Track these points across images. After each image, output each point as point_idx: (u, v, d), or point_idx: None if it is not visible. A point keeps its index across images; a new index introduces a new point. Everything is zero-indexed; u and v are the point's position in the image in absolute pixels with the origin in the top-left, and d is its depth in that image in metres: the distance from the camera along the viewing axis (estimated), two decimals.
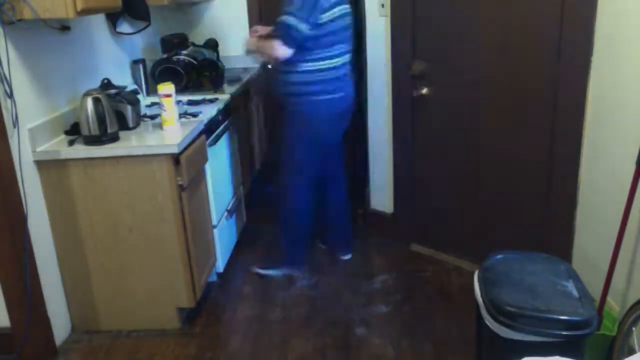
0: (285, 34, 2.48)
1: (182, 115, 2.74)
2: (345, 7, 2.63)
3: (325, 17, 2.50)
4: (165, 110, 2.47)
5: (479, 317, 1.85)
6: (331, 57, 2.59)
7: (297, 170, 2.79)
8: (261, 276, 2.95)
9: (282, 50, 2.50)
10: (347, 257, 3.11)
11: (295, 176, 2.80)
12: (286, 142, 2.77)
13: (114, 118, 2.35)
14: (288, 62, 2.56)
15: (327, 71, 2.60)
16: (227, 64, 3.67)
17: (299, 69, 2.58)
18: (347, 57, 2.69)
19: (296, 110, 2.67)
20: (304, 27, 2.45)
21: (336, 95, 2.67)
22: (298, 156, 2.76)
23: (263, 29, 2.77)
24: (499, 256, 1.97)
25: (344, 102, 2.73)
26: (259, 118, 4.17)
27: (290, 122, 2.71)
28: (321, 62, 2.58)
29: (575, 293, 1.74)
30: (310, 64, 2.57)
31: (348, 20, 2.67)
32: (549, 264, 1.91)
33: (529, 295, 1.73)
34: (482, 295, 1.81)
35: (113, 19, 3.03)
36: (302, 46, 2.52)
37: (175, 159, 2.30)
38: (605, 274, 2.06)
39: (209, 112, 2.85)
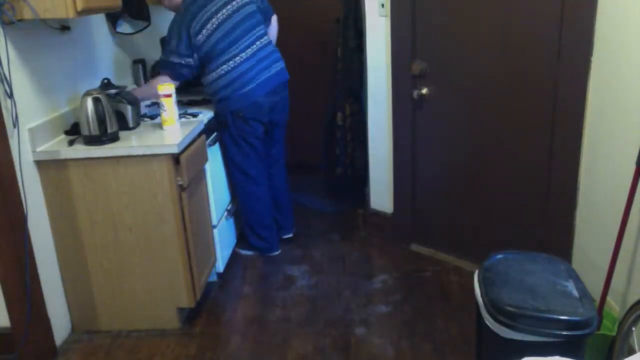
0: (175, 73, 2.74)
1: (182, 115, 2.74)
2: (234, 4, 2.76)
3: (205, 32, 2.70)
4: (165, 110, 2.47)
5: (479, 317, 1.85)
6: (234, 57, 2.76)
7: (236, 167, 3.01)
8: (240, 254, 3.22)
9: (170, 84, 2.56)
10: (289, 235, 3.33)
11: (238, 175, 3.03)
12: (225, 145, 2.99)
13: (114, 118, 2.35)
14: (201, 79, 2.86)
15: (234, 70, 2.77)
16: None
17: (210, 80, 2.82)
18: (255, 46, 2.82)
19: (222, 114, 2.88)
20: (191, 62, 2.73)
21: (254, 85, 2.81)
22: (236, 157, 2.97)
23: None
24: (499, 256, 1.97)
25: (266, 86, 2.85)
26: None
27: (223, 127, 2.92)
28: (224, 66, 2.76)
29: (575, 293, 1.74)
30: (214, 72, 2.78)
31: (243, 13, 2.79)
32: (549, 264, 1.91)
33: (529, 295, 1.73)
34: (482, 295, 1.81)
35: (113, 19, 3.03)
36: (202, 65, 2.79)
37: (175, 159, 2.30)
38: (605, 274, 2.06)
39: (209, 112, 2.85)
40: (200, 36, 2.69)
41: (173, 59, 2.71)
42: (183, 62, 2.72)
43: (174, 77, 2.73)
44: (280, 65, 2.94)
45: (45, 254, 2.34)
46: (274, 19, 3.08)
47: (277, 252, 3.19)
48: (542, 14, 2.36)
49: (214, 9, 2.71)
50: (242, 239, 3.28)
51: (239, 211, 3.21)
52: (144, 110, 2.84)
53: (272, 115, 2.96)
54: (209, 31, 2.70)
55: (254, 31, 2.83)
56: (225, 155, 3.02)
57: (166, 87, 2.46)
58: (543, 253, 2.00)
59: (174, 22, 2.74)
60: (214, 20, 2.71)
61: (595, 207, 2.31)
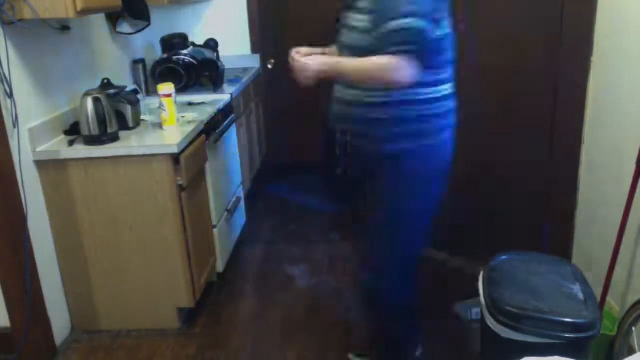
0: (417, 45, 1.58)
1: (182, 115, 2.74)
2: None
3: (444, 19, 1.68)
4: (165, 110, 2.46)
5: (483, 317, 1.85)
6: (449, 80, 1.80)
7: (405, 248, 1.95)
8: None
9: (410, 71, 1.59)
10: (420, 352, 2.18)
11: (401, 256, 1.95)
12: (386, 211, 1.90)
13: (114, 118, 2.35)
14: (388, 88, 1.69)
15: (445, 100, 1.80)
16: (227, 64, 3.67)
17: (415, 97, 1.70)
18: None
19: (406, 161, 1.78)
20: (431, 32, 1.61)
21: (451, 132, 1.87)
22: (409, 228, 1.94)
23: (308, 51, 2.00)
24: (505, 256, 1.97)
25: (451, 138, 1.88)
26: (259, 118, 4.17)
27: (396, 182, 1.83)
28: (441, 86, 1.76)
29: (580, 296, 1.73)
30: (430, 88, 1.72)
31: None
32: (556, 266, 1.91)
33: (532, 296, 1.73)
34: (484, 295, 1.81)
35: (113, 19, 3.03)
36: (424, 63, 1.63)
37: (175, 159, 2.30)
38: (605, 274, 2.06)
39: (208, 112, 2.85)
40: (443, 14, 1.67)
41: (424, 25, 1.57)
42: (430, 31, 1.59)
43: (413, 60, 1.58)
44: None
45: (45, 254, 2.34)
46: None
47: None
48: (542, 14, 2.36)
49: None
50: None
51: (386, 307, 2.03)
52: (148, 110, 2.83)
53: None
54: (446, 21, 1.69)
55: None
56: (397, 209, 1.91)
57: (166, 87, 2.46)
58: (551, 254, 2.00)
59: None
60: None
61: (595, 207, 2.31)
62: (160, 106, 2.48)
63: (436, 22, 1.62)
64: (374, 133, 1.81)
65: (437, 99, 1.75)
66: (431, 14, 1.59)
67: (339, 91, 1.86)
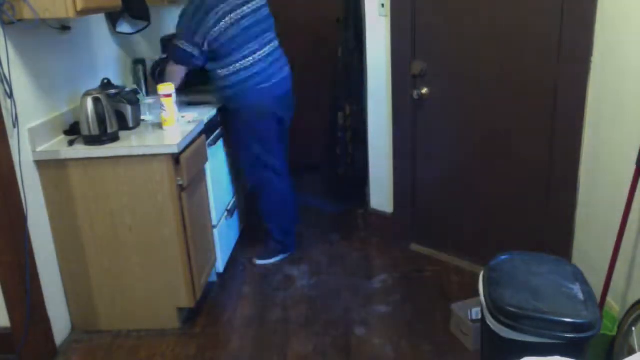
0: (180, 58, 2.76)
1: (182, 115, 2.74)
2: (252, 4, 2.76)
3: (223, 24, 2.66)
4: (165, 110, 2.47)
5: (482, 317, 1.85)
6: (250, 54, 2.76)
7: (261, 164, 2.96)
8: (260, 266, 3.10)
9: (179, 70, 2.80)
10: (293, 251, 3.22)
11: (260, 169, 2.98)
12: (239, 143, 2.99)
13: (114, 118, 2.35)
14: (211, 73, 2.85)
15: (251, 67, 2.77)
16: None
17: (224, 74, 2.80)
18: (268, 48, 2.83)
19: (235, 109, 2.89)
20: (196, 52, 2.71)
21: (269, 84, 2.82)
22: (254, 150, 2.93)
23: None
24: (506, 256, 1.97)
25: (280, 87, 2.89)
26: None
27: (235, 123, 2.94)
28: (241, 62, 2.76)
29: (580, 296, 1.73)
30: (230, 67, 2.77)
31: (259, 15, 2.79)
32: (556, 266, 1.91)
33: (531, 296, 1.73)
34: (485, 295, 1.81)
35: (113, 19, 3.03)
36: (213, 57, 2.77)
37: (175, 159, 2.30)
38: (605, 274, 2.06)
39: (208, 112, 2.85)
40: (216, 28, 2.66)
41: (183, 46, 2.72)
42: (191, 51, 2.71)
43: (181, 63, 2.77)
44: (289, 69, 2.99)
45: (45, 254, 2.34)
46: None
47: (293, 251, 3.20)
48: (542, 13, 2.36)
49: (232, 5, 2.70)
50: (250, 245, 3.25)
51: (263, 211, 3.11)
52: (149, 110, 2.83)
53: (285, 116, 3.01)
54: (227, 24, 2.67)
55: (268, 34, 2.86)
56: (243, 154, 3.01)
57: (166, 87, 2.47)
58: (551, 254, 2.00)
59: (187, 10, 2.73)
60: (232, 15, 2.69)
61: (595, 207, 2.31)
62: (161, 106, 2.48)
63: (203, 43, 2.70)
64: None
65: (230, 75, 2.79)
66: (191, 40, 2.70)
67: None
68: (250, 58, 2.76)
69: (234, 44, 2.73)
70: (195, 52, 2.71)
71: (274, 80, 2.85)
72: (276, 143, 2.98)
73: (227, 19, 2.67)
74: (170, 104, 2.47)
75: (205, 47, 2.71)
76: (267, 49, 2.83)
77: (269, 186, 3.03)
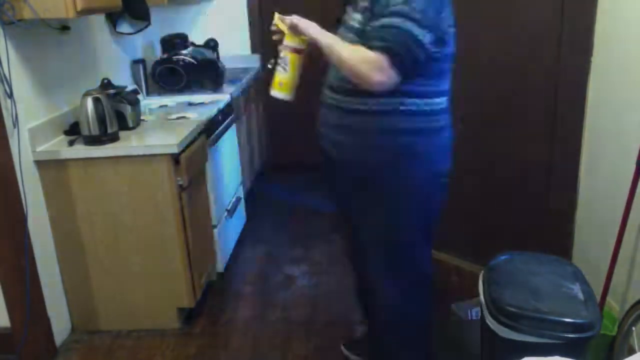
0: (403, 49, 1.54)
1: (182, 115, 2.75)
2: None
3: (452, 31, 1.68)
4: (285, 70, 1.72)
5: (482, 317, 1.85)
6: (445, 93, 1.74)
7: (415, 248, 1.92)
8: None
9: (387, 75, 1.55)
10: None
11: (414, 255, 1.93)
12: (382, 223, 1.82)
13: (114, 118, 2.35)
14: (381, 94, 1.62)
15: (442, 114, 1.75)
16: (227, 64, 3.67)
17: (408, 107, 1.66)
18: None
19: (400, 167, 1.73)
20: (428, 42, 1.56)
21: (448, 137, 1.81)
22: (414, 236, 1.89)
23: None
24: (506, 256, 1.97)
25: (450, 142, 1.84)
26: (259, 118, 4.17)
27: (388, 194, 1.77)
28: (438, 99, 1.72)
29: (580, 296, 1.73)
30: (425, 99, 1.68)
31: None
32: (556, 266, 1.90)
33: (531, 296, 1.73)
34: (484, 295, 1.81)
35: (113, 19, 3.03)
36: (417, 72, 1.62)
37: (175, 159, 2.30)
38: (605, 274, 2.06)
39: (208, 112, 2.86)
40: (451, 29, 1.68)
41: (414, 30, 1.52)
42: (425, 40, 1.55)
43: (396, 62, 1.53)
44: None
45: (45, 254, 2.34)
46: None
47: None
48: (542, 14, 2.36)
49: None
50: None
51: (393, 343, 1.97)
52: (151, 111, 2.83)
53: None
54: (450, 36, 1.69)
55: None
56: (401, 237, 1.87)
57: (297, 41, 1.73)
58: (551, 254, 2.00)
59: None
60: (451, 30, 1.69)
61: (595, 207, 2.31)
62: (280, 63, 1.73)
63: (438, 36, 1.59)
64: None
65: (429, 113, 1.70)
66: (430, 23, 1.55)
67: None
68: (446, 99, 1.75)
69: (447, 66, 1.74)
70: (427, 38, 1.55)
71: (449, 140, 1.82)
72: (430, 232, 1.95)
73: (452, 30, 1.69)
74: (295, 63, 1.73)
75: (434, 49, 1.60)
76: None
77: (421, 290, 1.92)
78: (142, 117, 2.69)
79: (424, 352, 1.98)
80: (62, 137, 2.43)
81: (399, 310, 1.89)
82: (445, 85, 1.73)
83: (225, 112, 3.10)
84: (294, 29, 1.73)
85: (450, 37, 1.68)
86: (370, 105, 1.66)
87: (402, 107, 1.65)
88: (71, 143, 2.33)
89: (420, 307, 1.92)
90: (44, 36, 2.34)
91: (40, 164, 2.28)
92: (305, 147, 4.17)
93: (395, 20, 1.52)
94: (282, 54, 1.72)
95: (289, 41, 1.71)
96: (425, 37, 1.54)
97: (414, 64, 1.56)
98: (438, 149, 1.77)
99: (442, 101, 1.72)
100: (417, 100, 1.66)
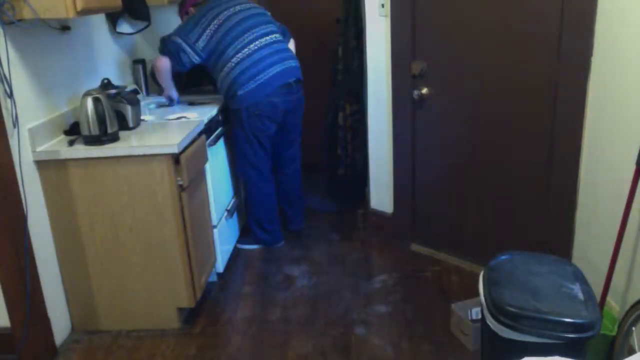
0: (168, 50, 2.83)
1: (183, 115, 2.75)
2: (242, 6, 2.89)
3: (213, 26, 2.80)
4: None
5: (482, 317, 1.85)
6: (242, 48, 2.82)
7: (248, 163, 3.06)
8: (243, 249, 3.26)
9: (164, 63, 2.85)
10: (300, 228, 3.42)
11: (249, 170, 3.09)
12: (234, 140, 3.06)
13: (114, 118, 2.35)
14: (216, 82, 2.93)
15: (243, 61, 2.83)
16: None
17: (222, 76, 2.88)
18: (265, 40, 2.89)
19: (236, 110, 2.93)
20: (187, 48, 2.81)
21: (264, 76, 2.85)
22: (246, 151, 3.03)
23: None
24: (506, 256, 1.97)
25: (278, 79, 2.90)
26: None
27: (234, 123, 3.00)
28: (233, 59, 2.82)
29: (580, 296, 1.73)
30: (226, 67, 2.85)
31: (250, 11, 2.91)
32: (556, 266, 1.91)
33: (531, 296, 1.73)
34: (485, 295, 1.81)
35: (113, 19, 3.03)
36: (212, 63, 2.88)
37: (175, 159, 2.30)
38: (605, 274, 2.06)
39: (209, 112, 2.86)
40: (210, 28, 2.80)
41: (177, 40, 2.80)
42: (185, 47, 2.80)
43: (172, 59, 2.83)
44: (293, 63, 3.00)
45: (45, 254, 2.34)
46: (292, 41, 3.19)
47: (281, 244, 3.28)
48: (542, 14, 2.36)
49: (219, 9, 2.84)
50: (244, 234, 3.34)
51: (246, 206, 3.26)
52: (150, 111, 2.84)
53: (287, 117, 3.05)
54: (215, 26, 2.80)
55: (263, 26, 2.91)
56: (236, 150, 3.08)
57: None
58: (551, 254, 2.00)
59: (183, 21, 2.93)
60: (220, 16, 2.81)
61: (595, 207, 2.31)
62: None
63: (204, 46, 2.83)
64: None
65: (231, 70, 2.85)
66: (189, 39, 2.81)
67: None
68: (241, 53, 2.83)
69: (225, 43, 2.82)
70: (187, 48, 2.79)
71: (269, 74, 2.87)
72: (270, 146, 3.07)
73: (215, 21, 2.80)
74: None
75: (200, 46, 2.81)
76: (264, 40, 2.89)
77: (250, 185, 3.15)
78: (142, 117, 2.69)
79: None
80: (62, 137, 2.43)
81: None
82: (231, 51, 2.84)
83: (225, 112, 3.10)
84: None
85: (211, 33, 2.82)
86: None
87: (221, 77, 2.95)
88: (71, 143, 2.33)
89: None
90: (44, 36, 2.35)
91: (40, 164, 2.28)
92: (305, 147, 4.17)
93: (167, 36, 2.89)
94: None
95: None
96: (183, 45, 2.83)
97: (180, 54, 2.82)
98: (246, 89, 2.87)
99: (232, 62, 2.85)
100: (222, 73, 2.91)
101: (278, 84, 2.90)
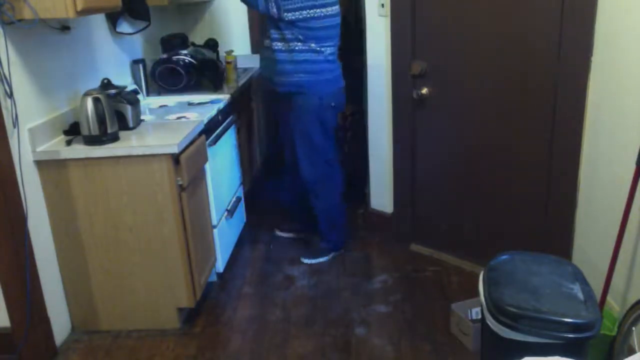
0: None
1: (183, 115, 2.75)
2: (333, 9, 2.81)
3: (304, 11, 2.71)
4: None
5: (482, 317, 1.85)
6: (325, 48, 2.81)
7: (323, 157, 2.95)
8: (310, 264, 3.08)
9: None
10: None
11: (321, 162, 2.96)
12: (302, 134, 2.91)
13: (114, 118, 2.35)
14: (284, 54, 2.80)
15: (324, 62, 2.82)
16: None
17: (298, 59, 2.79)
18: (335, 51, 2.91)
19: (301, 98, 2.84)
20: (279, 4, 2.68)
21: (333, 75, 2.89)
22: (320, 141, 2.92)
23: None
24: (506, 256, 1.97)
25: (340, 81, 2.95)
26: (259, 118, 4.17)
27: (298, 112, 2.88)
28: (319, 52, 2.80)
29: (580, 296, 1.73)
30: (305, 53, 2.78)
31: (336, 20, 2.84)
32: (556, 266, 1.91)
33: (531, 296, 1.73)
34: (485, 295, 1.81)
35: (113, 19, 3.03)
36: (296, 37, 2.76)
37: (175, 159, 2.30)
38: (605, 274, 2.06)
39: (208, 112, 2.85)
40: (303, 11, 2.71)
41: None
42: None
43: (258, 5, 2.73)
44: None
45: (45, 254, 2.34)
46: None
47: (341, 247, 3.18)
48: (542, 14, 2.36)
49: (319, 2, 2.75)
50: (308, 248, 3.19)
51: (319, 210, 3.08)
52: (150, 111, 2.84)
53: (341, 106, 3.02)
54: (311, 14, 2.73)
55: (337, 39, 2.91)
56: (307, 145, 2.95)
57: None
58: (551, 254, 2.00)
59: None
60: (318, 10, 2.75)
61: (595, 207, 2.31)
62: None
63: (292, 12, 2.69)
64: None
65: (308, 61, 2.80)
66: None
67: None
68: (329, 50, 2.83)
69: (319, 34, 2.77)
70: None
71: (338, 73, 2.92)
72: (334, 136, 3.01)
73: (313, 10, 2.73)
74: None
75: (288, 14, 2.70)
76: (335, 50, 2.91)
77: (329, 181, 3.02)
78: (142, 117, 2.69)
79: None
80: (62, 137, 2.43)
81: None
82: (319, 44, 2.81)
83: (225, 112, 3.11)
84: None
85: (304, 15, 2.72)
86: None
87: (297, 58, 2.84)
88: (69, 143, 2.32)
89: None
90: (44, 36, 2.34)
91: (40, 164, 2.28)
92: None
93: None
94: None
95: None
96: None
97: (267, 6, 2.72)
98: (323, 81, 2.88)
99: (322, 54, 2.83)
100: (302, 54, 2.82)
101: (340, 85, 2.95)
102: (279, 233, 3.38)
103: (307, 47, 2.77)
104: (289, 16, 2.69)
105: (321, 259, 3.08)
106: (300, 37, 2.75)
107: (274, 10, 2.69)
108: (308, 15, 2.72)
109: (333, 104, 2.89)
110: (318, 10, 2.73)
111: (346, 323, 2.52)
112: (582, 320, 1.62)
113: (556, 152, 2.46)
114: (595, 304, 1.71)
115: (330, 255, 3.11)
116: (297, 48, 2.77)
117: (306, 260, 3.08)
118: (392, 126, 3.07)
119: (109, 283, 2.44)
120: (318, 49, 2.79)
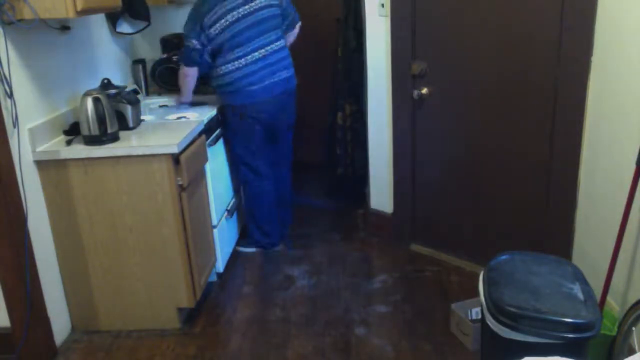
0: (186, 57, 2.86)
1: (183, 115, 2.74)
2: (251, 5, 2.81)
3: (219, 26, 2.75)
4: None
5: (482, 317, 1.85)
6: (243, 56, 2.82)
7: (241, 162, 3.07)
8: (241, 252, 3.26)
9: (187, 71, 2.90)
10: (277, 248, 3.28)
11: (242, 167, 3.09)
12: (226, 140, 3.09)
13: (114, 118, 2.35)
14: (211, 70, 2.91)
15: (240, 69, 2.83)
16: None
17: (216, 74, 2.88)
18: (266, 50, 2.88)
19: (224, 108, 2.99)
20: (198, 46, 2.79)
21: (257, 87, 2.87)
22: (236, 149, 3.06)
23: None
24: (505, 256, 1.97)
25: (269, 91, 2.91)
26: None
27: (224, 121, 3.03)
28: (231, 64, 2.83)
29: (580, 296, 1.73)
30: (222, 67, 2.84)
31: (259, 15, 2.83)
32: (556, 266, 1.91)
33: (531, 296, 1.73)
34: (485, 295, 1.81)
35: (113, 19, 3.03)
36: (213, 55, 2.84)
37: (175, 159, 2.30)
38: (605, 274, 2.06)
39: (209, 112, 2.86)
40: (213, 29, 2.75)
41: (188, 43, 2.81)
42: (194, 46, 2.79)
43: (186, 62, 2.87)
44: (288, 73, 2.99)
45: (45, 254, 2.34)
46: (298, 25, 3.13)
47: (278, 248, 3.25)
48: (542, 14, 2.36)
49: (230, 6, 2.77)
50: (243, 237, 3.32)
51: (244, 207, 3.25)
52: (150, 111, 2.84)
53: (275, 120, 3.02)
54: (223, 26, 2.76)
55: (268, 34, 2.87)
56: (230, 150, 3.09)
57: None
58: (551, 254, 2.00)
59: (191, 10, 2.83)
60: (228, 17, 2.76)
61: (595, 207, 2.31)
62: None
63: (206, 40, 2.78)
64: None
65: (226, 73, 2.86)
66: (196, 36, 2.78)
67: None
68: (239, 61, 2.82)
69: (228, 45, 2.80)
70: (201, 48, 2.80)
71: (262, 85, 2.88)
72: (260, 145, 3.04)
73: (223, 20, 2.75)
74: None
75: (208, 48, 2.80)
76: (265, 50, 2.87)
77: (247, 186, 3.14)
78: (142, 117, 2.69)
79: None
80: (62, 137, 2.43)
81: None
82: (229, 56, 2.83)
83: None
84: None
85: (221, 29, 2.77)
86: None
87: (213, 74, 2.94)
88: (68, 143, 2.32)
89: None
90: (44, 36, 2.34)
91: (40, 164, 2.28)
92: (305, 147, 4.17)
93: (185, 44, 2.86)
94: None
95: None
96: (200, 45, 2.80)
97: (191, 54, 2.83)
98: (235, 93, 2.91)
99: (230, 66, 2.84)
100: (216, 70, 2.89)
101: (267, 96, 2.92)
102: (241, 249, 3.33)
103: (231, 58, 2.82)
104: (213, 35, 2.77)
105: (247, 250, 3.25)
106: (224, 49, 2.81)
107: (206, 57, 2.83)
108: (221, 27, 2.76)
109: (240, 112, 2.92)
110: (229, 16, 2.76)
111: (346, 323, 2.52)
112: (582, 320, 1.62)
113: (556, 152, 2.46)
114: (595, 304, 1.71)
115: (256, 250, 3.25)
116: (220, 63, 2.85)
117: (240, 248, 3.26)
118: (392, 126, 3.07)
119: (108, 283, 2.44)
120: (242, 54, 2.81)
